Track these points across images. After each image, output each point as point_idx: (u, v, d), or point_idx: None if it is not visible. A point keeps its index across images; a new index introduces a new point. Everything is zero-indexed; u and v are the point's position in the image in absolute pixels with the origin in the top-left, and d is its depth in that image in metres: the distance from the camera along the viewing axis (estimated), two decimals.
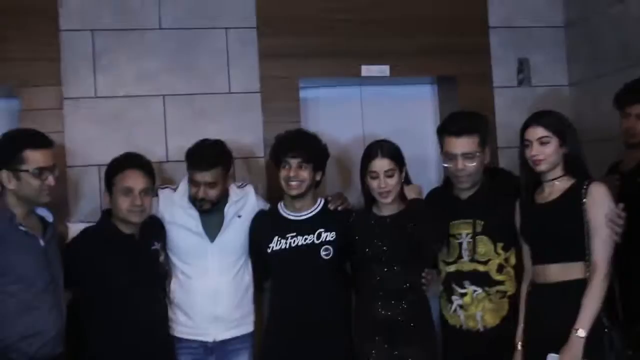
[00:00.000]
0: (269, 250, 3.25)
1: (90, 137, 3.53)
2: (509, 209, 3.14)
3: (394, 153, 3.14)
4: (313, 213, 3.28)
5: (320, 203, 3.33)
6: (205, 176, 3.19)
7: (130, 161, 3.17)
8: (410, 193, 3.16)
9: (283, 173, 3.20)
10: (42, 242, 2.92)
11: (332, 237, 3.21)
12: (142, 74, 3.73)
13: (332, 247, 3.21)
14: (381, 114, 4.02)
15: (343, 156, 4.03)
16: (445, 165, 3.15)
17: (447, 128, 3.15)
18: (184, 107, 3.76)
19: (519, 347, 3.05)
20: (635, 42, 3.63)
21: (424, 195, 3.22)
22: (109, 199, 3.16)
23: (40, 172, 2.85)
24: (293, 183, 3.18)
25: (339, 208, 3.31)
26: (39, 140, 2.91)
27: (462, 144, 3.06)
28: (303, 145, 3.22)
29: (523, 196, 3.11)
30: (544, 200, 3.02)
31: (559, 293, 2.90)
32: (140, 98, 3.73)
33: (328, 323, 3.22)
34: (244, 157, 3.66)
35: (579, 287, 2.84)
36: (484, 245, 3.13)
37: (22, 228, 2.87)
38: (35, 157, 2.84)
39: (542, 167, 2.94)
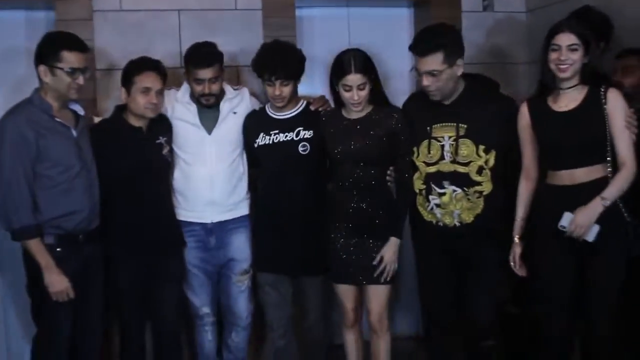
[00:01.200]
0: (256, 145, 3.42)
1: (116, 45, 3.73)
2: (490, 113, 3.11)
3: (365, 66, 3.16)
4: (294, 113, 3.40)
5: (302, 104, 3.43)
6: (207, 72, 3.33)
7: (149, 64, 3.30)
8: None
9: (269, 90, 3.29)
10: (74, 133, 3.10)
11: (309, 134, 3.34)
12: None
13: (309, 144, 3.33)
14: (365, 31, 4.20)
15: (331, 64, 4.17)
16: (418, 79, 3.15)
17: (413, 48, 3.11)
18: (196, 21, 3.96)
19: (517, 239, 3.13)
20: None
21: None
22: (126, 96, 3.28)
23: (72, 71, 3.00)
24: (278, 100, 3.30)
25: (320, 109, 3.43)
26: (76, 43, 3.06)
27: (425, 63, 3.03)
28: (284, 66, 3.25)
29: (538, 101, 3.05)
30: (564, 108, 2.96)
31: (589, 189, 2.90)
32: (158, 12, 3.93)
33: (304, 210, 3.36)
34: (247, 66, 3.62)
35: (604, 184, 2.89)
36: (467, 148, 3.12)
37: (57, 119, 3.04)
38: (70, 58, 3.00)
39: (567, 74, 2.89)
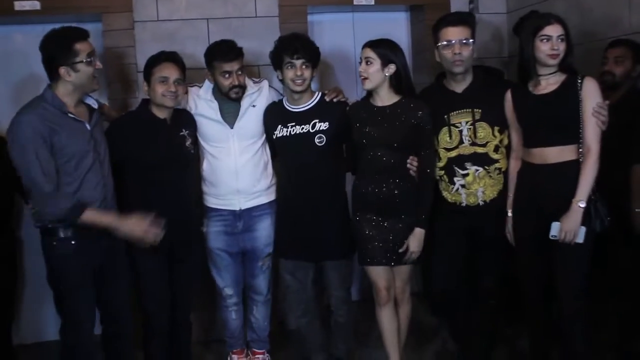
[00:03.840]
0: (274, 137, 3.47)
1: (154, 51, 3.64)
2: (500, 97, 3.20)
3: (378, 45, 3.23)
4: (310, 106, 3.42)
5: (317, 96, 3.44)
6: (234, 65, 3.38)
7: (166, 56, 3.34)
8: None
9: (289, 74, 3.30)
10: (88, 127, 3.05)
11: (325, 126, 3.36)
12: (191, 2, 4.24)
13: (325, 135, 3.35)
14: (367, 33, 3.86)
15: (339, 63, 4.61)
16: (444, 52, 3.21)
17: (446, 19, 3.25)
18: (222, 28, 4.23)
19: (510, 213, 3.24)
20: None
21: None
22: (147, 88, 3.31)
23: (90, 58, 2.98)
24: (299, 81, 3.31)
25: (334, 100, 3.45)
26: (80, 32, 3.00)
27: (459, 31, 3.18)
28: (304, 48, 3.31)
29: (520, 87, 3.14)
30: (542, 91, 3.03)
31: (557, 172, 2.99)
32: (190, 21, 4.24)
33: (323, 199, 3.41)
34: (267, 65, 3.81)
35: (573, 166, 2.96)
36: (483, 130, 3.23)
37: (71, 115, 2.98)
38: (83, 47, 2.96)
39: (556, 61, 2.98)
